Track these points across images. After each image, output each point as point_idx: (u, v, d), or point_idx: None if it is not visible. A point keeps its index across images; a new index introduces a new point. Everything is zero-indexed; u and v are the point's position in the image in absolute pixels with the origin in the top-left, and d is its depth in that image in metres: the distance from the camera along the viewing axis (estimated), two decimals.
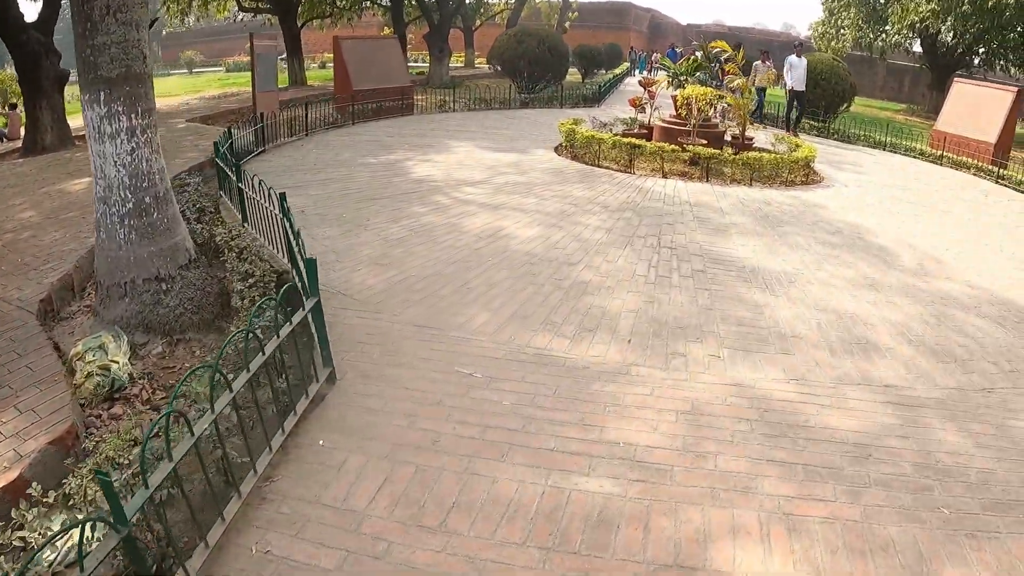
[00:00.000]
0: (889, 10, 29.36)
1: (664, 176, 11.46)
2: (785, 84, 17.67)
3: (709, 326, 5.84)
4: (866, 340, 5.82)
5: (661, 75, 16.05)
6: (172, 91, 35.61)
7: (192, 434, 3.31)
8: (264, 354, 4.02)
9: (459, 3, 31.35)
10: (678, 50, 32.63)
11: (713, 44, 14.87)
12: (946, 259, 8.32)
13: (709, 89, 12.62)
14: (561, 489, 3.75)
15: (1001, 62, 29.02)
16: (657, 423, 4.38)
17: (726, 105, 13.56)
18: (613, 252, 7.51)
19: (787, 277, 7.13)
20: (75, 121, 24.36)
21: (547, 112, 19.96)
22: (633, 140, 11.77)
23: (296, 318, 4.45)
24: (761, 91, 19.06)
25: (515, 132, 15.94)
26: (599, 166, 12.00)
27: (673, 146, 11.59)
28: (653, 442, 4.19)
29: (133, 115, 5.78)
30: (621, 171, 11.70)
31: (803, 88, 17.51)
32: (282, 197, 6.56)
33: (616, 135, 13.38)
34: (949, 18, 25.87)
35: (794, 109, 17.82)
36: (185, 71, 54.01)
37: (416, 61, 43.16)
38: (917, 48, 34.16)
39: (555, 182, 10.68)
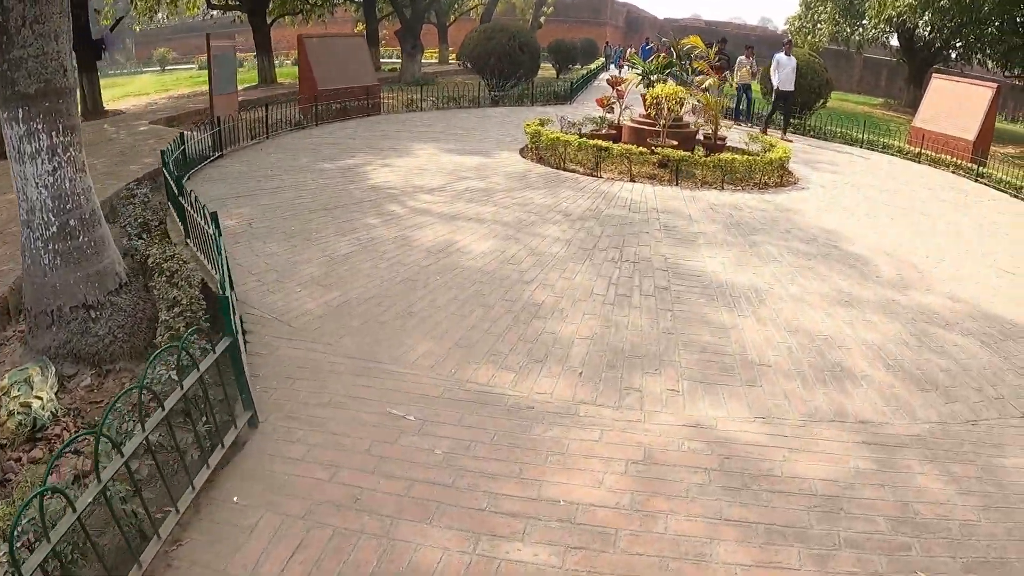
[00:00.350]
0: (866, 4, 29.08)
1: (632, 180, 10.99)
2: (765, 79, 17.05)
3: (669, 354, 5.37)
4: (840, 366, 5.38)
5: (631, 73, 15.47)
6: (142, 90, 34.90)
7: (74, 510, 2.90)
8: (164, 409, 3.57)
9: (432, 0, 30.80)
10: (651, 46, 32.08)
11: (684, 40, 14.38)
12: (926, 268, 7.92)
13: (679, 88, 12.15)
14: (490, 559, 3.29)
15: (978, 56, 28.78)
16: (604, 476, 3.91)
17: (698, 104, 13.09)
18: (571, 268, 7.03)
19: (757, 294, 6.68)
20: None
21: (517, 111, 19.45)
22: (600, 142, 11.29)
23: (204, 364, 3.98)
24: (745, 88, 18.46)
25: (482, 133, 15.44)
26: (565, 169, 11.52)
27: (641, 148, 11.12)
28: (597, 499, 3.72)
29: (54, 133, 5.40)
30: (587, 175, 11.22)
31: (791, 88, 16.78)
32: (214, 217, 6.06)
33: (583, 136, 12.92)
34: (927, 12, 25.57)
35: (778, 110, 17.18)
36: (158, 68, 53.05)
37: (390, 57, 42.53)
38: (894, 42, 33.95)
39: (516, 188, 10.18)
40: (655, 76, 13.31)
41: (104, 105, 23.04)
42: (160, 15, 38.80)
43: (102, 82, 42.53)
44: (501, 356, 5.19)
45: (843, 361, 5.47)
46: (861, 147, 17.09)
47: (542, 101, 21.27)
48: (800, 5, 35.45)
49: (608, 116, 13.90)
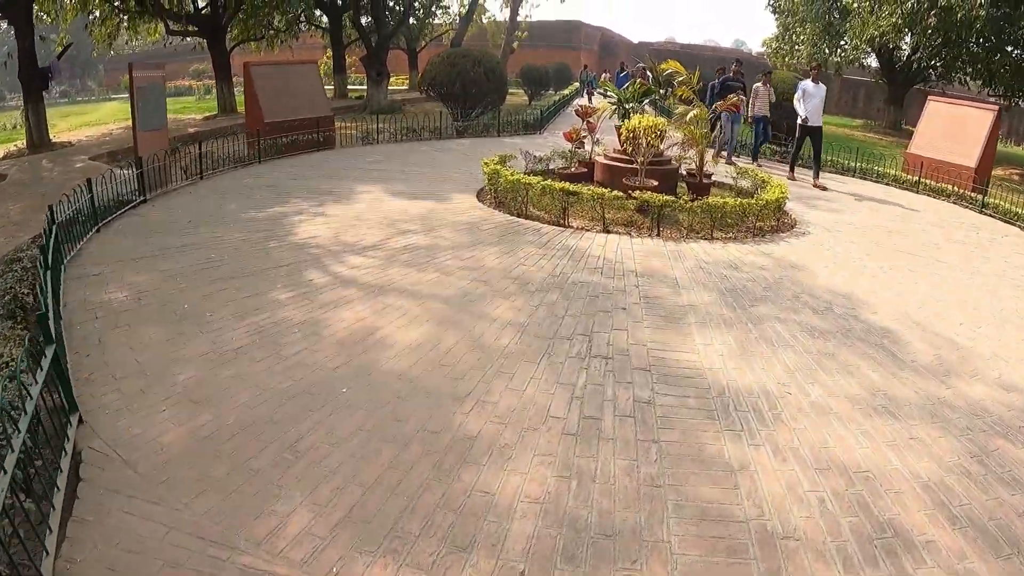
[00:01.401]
0: (847, 24, 27.78)
1: (606, 230, 9.28)
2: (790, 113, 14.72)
3: (655, 528, 3.65)
4: (892, 527, 3.72)
5: (603, 101, 13.72)
6: (103, 119, 33.03)
7: None
8: None
9: (398, 24, 29.15)
10: (627, 72, 30.21)
11: (663, 65, 12.75)
12: (964, 342, 6.32)
13: (659, 119, 10.51)
14: None
15: (959, 75, 27.52)
16: None
17: (682, 137, 11.43)
18: (522, 370, 5.29)
19: (769, 404, 4.98)
20: None
21: (482, 143, 17.74)
22: (568, 185, 9.56)
23: None
24: (763, 120, 15.93)
25: (438, 170, 13.69)
26: (527, 217, 9.79)
27: (616, 192, 9.39)
28: None
29: None
30: (553, 224, 9.48)
31: (820, 123, 14.08)
32: (41, 321, 4.37)
33: (551, 173, 11.30)
34: (910, 32, 24.30)
35: (800, 148, 14.82)
36: (126, 96, 51.11)
37: (362, 84, 40.87)
38: (873, 63, 32.73)
39: (467, 244, 8.43)
40: (631, 106, 11.68)
41: (51, 137, 21.21)
42: (122, 41, 37.01)
43: (67, 109, 40.65)
44: (408, 540, 3.47)
45: (895, 517, 3.81)
46: (854, 176, 15.60)
47: (510, 131, 19.58)
48: (777, 27, 34.15)
49: (578, 151, 12.27)
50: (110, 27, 27.26)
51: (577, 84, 41.84)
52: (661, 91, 12.52)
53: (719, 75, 16.54)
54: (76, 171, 15.59)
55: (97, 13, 26.18)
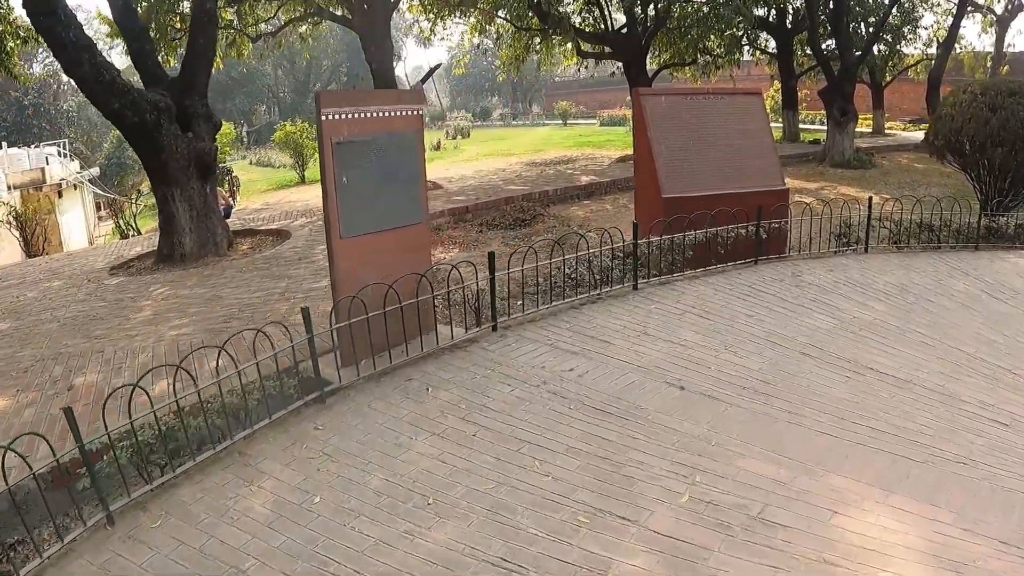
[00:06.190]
0: None
1: None
2: None
3: None
4: None
5: None
6: (514, 149, 28.93)
7: None
8: None
9: (866, 51, 20.41)
10: None
11: None
12: None
13: None
14: None
15: None
16: None
17: None
18: None
19: None
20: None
21: None
22: None
23: None
24: None
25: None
26: None
27: None
28: None
29: None
30: None
31: None
32: None
33: None
34: None
35: None
36: (560, 122, 48.29)
37: (813, 123, 31.81)
38: None
39: None
40: None
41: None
42: (561, 65, 32.74)
43: (498, 132, 37.46)
44: None
45: None
46: None
47: None
48: None
49: None
50: (517, 49, 22.48)
51: None
52: None
53: None
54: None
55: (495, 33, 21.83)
